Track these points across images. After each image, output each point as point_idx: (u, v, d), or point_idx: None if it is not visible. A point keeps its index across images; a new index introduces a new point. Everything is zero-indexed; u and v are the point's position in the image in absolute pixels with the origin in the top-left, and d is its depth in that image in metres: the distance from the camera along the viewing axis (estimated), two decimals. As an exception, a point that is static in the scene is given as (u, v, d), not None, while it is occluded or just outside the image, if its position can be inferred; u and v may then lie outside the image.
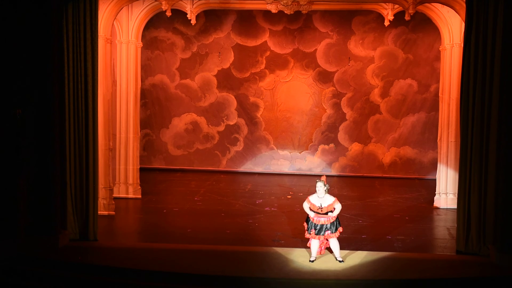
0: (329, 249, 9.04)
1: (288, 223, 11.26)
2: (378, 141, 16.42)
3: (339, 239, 8.90)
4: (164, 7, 11.28)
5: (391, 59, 16.10)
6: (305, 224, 8.95)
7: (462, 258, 9.18)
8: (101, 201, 11.17)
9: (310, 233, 8.76)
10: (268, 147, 16.77)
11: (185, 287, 8.15)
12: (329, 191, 8.87)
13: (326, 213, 8.72)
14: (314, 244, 8.80)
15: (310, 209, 8.76)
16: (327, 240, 8.85)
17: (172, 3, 11.32)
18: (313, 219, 8.75)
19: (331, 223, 8.73)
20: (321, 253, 8.98)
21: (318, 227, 8.72)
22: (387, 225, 11.14)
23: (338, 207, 8.73)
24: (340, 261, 8.75)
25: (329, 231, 8.71)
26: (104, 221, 10.80)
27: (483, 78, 9.06)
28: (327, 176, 9.28)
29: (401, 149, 16.33)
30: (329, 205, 8.69)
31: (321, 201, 8.70)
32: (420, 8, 11.62)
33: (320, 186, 8.63)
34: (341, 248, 8.98)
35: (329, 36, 16.20)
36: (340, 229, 8.85)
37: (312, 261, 8.76)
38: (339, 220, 8.87)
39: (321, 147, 16.59)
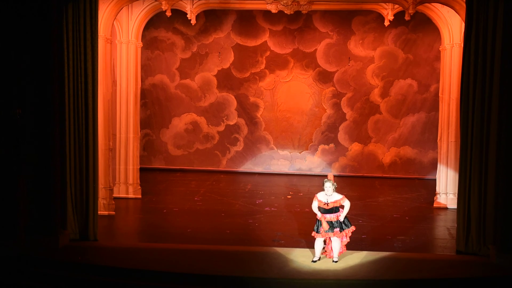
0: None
1: (288, 223, 11.26)
2: (378, 141, 16.42)
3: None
4: (164, 7, 11.28)
5: (391, 59, 16.10)
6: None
7: (462, 258, 9.18)
8: (101, 201, 11.16)
9: (319, 232, 8.69)
10: (268, 147, 16.77)
11: (185, 287, 8.15)
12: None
13: (333, 210, 8.68)
14: (318, 243, 8.78)
15: (318, 207, 8.74)
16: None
17: (172, 3, 11.33)
18: (320, 217, 8.71)
19: (338, 221, 8.68)
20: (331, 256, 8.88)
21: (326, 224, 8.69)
22: (387, 225, 11.14)
23: (347, 204, 8.71)
24: (334, 261, 8.71)
25: (337, 229, 8.68)
26: (104, 221, 10.79)
27: (483, 78, 9.06)
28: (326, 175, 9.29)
29: (401, 149, 16.33)
30: (336, 201, 8.68)
31: (328, 198, 8.70)
32: (420, 8, 11.62)
33: (329, 187, 8.66)
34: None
35: (329, 36, 16.20)
36: (348, 231, 8.76)
37: (315, 261, 8.73)
38: (347, 222, 8.79)
39: (321, 147, 16.59)
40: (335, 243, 8.75)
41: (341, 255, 8.85)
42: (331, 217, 8.69)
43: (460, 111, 9.36)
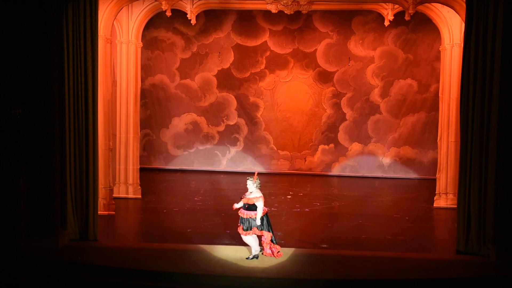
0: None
1: (288, 223, 11.26)
2: (378, 141, 16.42)
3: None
4: (164, 7, 11.28)
5: (391, 59, 16.10)
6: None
7: (462, 258, 9.19)
8: (101, 201, 11.17)
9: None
10: (268, 147, 16.77)
11: (185, 286, 8.15)
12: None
13: (246, 207, 8.76)
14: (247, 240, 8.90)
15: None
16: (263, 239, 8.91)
17: (172, 3, 11.33)
18: (240, 211, 8.88)
19: (248, 218, 8.74)
20: (276, 255, 8.89)
21: (240, 219, 8.83)
22: (387, 225, 11.14)
23: (259, 204, 8.76)
24: (246, 258, 8.80)
25: (242, 225, 8.79)
26: (104, 221, 10.80)
27: (483, 78, 9.07)
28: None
29: (401, 149, 16.33)
30: (249, 198, 8.78)
31: (249, 194, 8.84)
32: (420, 8, 11.62)
33: (249, 184, 8.81)
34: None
35: (329, 36, 16.20)
36: (264, 233, 8.76)
37: (249, 259, 8.81)
38: (266, 225, 8.79)
39: (321, 147, 16.58)
40: (247, 240, 8.83)
41: (274, 259, 8.81)
42: (243, 212, 8.82)
43: (460, 111, 9.37)
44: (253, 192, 8.78)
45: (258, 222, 8.68)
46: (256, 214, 8.70)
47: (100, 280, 8.25)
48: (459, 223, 9.41)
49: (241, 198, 8.87)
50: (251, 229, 8.73)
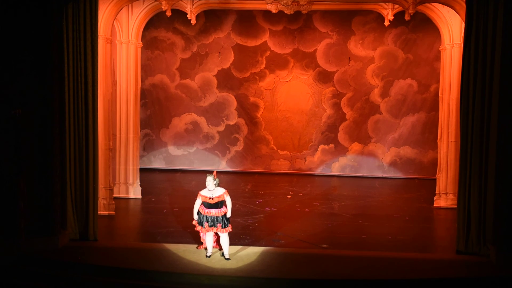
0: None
1: (288, 223, 11.26)
2: (378, 141, 16.42)
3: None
4: (164, 7, 11.29)
5: (391, 59, 16.10)
6: (195, 221, 9.03)
7: (462, 258, 9.19)
8: (101, 201, 11.17)
9: (204, 227, 8.86)
10: (268, 147, 16.77)
11: (185, 286, 8.15)
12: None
13: (218, 205, 8.78)
14: (209, 238, 8.92)
15: (203, 202, 8.88)
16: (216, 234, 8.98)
17: (172, 3, 11.33)
18: (204, 212, 8.86)
19: (222, 216, 8.81)
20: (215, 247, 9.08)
21: (210, 219, 8.82)
22: (387, 225, 11.14)
23: (228, 199, 8.85)
24: (227, 259, 8.81)
25: (220, 224, 8.80)
26: (104, 221, 10.80)
27: (483, 78, 9.07)
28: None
29: (401, 149, 16.33)
30: (220, 195, 8.80)
31: (212, 193, 8.84)
32: (420, 8, 11.62)
33: (210, 181, 8.81)
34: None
35: (329, 36, 16.20)
36: (229, 227, 8.92)
37: (209, 256, 8.86)
38: (228, 218, 8.94)
39: (321, 147, 16.58)
40: (224, 239, 8.87)
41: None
42: (216, 212, 8.82)
43: (460, 111, 9.37)
44: (216, 189, 8.81)
45: (229, 214, 8.82)
46: (222, 212, 8.81)
47: (100, 280, 8.25)
48: (459, 223, 9.41)
49: (210, 199, 8.79)
50: (223, 226, 8.79)
